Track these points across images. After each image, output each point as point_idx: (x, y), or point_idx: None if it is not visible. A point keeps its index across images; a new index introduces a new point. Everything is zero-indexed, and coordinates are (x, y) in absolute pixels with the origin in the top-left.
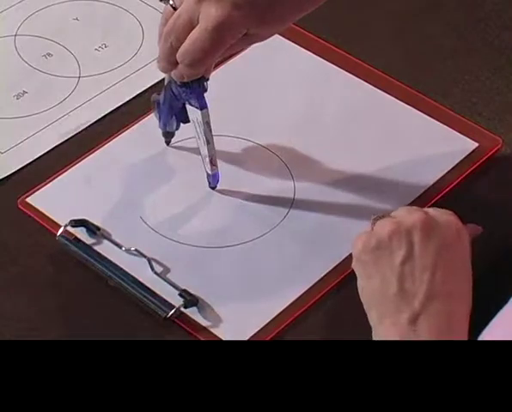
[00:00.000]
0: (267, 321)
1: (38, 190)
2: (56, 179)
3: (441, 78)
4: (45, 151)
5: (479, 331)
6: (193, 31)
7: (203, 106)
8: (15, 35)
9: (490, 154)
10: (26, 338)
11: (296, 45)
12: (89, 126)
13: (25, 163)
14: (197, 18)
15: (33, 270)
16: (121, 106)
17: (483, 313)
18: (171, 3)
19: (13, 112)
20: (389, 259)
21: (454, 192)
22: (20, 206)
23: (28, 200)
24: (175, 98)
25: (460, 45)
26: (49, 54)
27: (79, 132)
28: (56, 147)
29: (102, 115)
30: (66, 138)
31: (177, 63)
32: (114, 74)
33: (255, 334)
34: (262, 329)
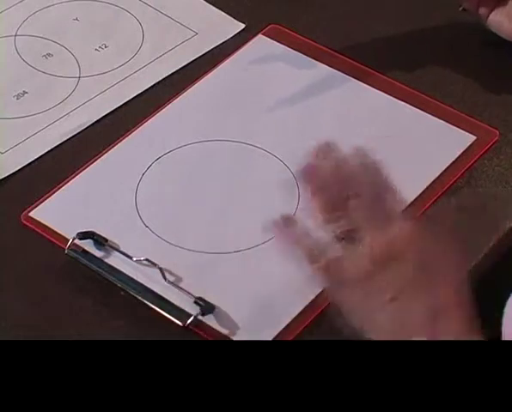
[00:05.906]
0: (286, 323)
1: (40, 203)
2: (57, 192)
3: (441, 78)
4: (45, 151)
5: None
6: None
7: None
8: (15, 35)
9: (488, 146)
10: None
11: (293, 50)
12: (89, 126)
13: (25, 163)
14: None
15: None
16: (121, 106)
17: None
18: None
19: (13, 112)
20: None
21: (456, 185)
22: (23, 221)
23: (31, 214)
24: None
25: (460, 45)
26: (49, 54)
27: (79, 132)
28: (56, 147)
29: (102, 115)
30: (66, 138)
31: None
32: (114, 74)
33: (275, 337)
34: (281, 332)
